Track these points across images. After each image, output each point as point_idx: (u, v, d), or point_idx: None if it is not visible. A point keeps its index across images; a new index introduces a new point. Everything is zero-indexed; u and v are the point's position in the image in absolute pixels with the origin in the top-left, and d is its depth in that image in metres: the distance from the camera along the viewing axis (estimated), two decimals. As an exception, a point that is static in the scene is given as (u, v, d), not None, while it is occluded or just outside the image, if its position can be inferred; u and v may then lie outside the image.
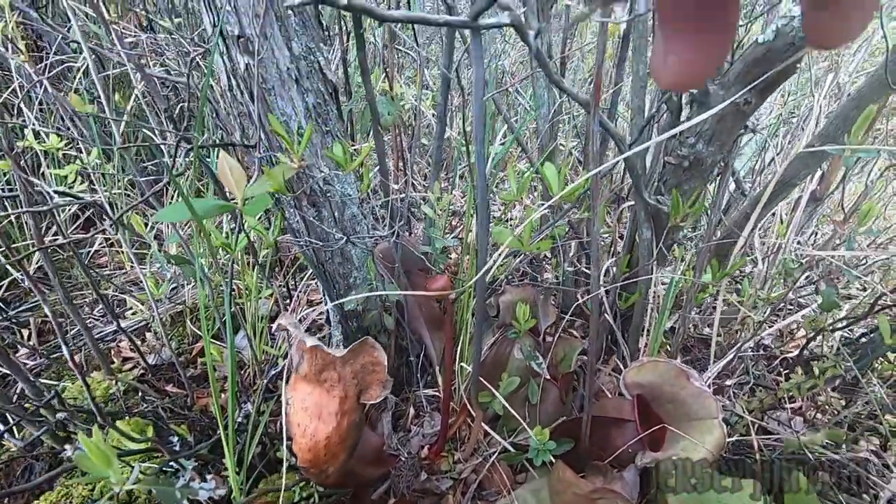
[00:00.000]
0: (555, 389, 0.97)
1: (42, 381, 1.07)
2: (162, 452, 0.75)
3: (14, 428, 0.85)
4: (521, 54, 2.25)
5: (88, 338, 0.96)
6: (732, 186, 1.37)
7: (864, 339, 1.00)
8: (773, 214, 1.29)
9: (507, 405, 0.89)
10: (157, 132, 1.09)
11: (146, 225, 1.03)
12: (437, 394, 1.09)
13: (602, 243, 1.32)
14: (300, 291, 1.29)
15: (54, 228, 1.38)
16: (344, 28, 1.29)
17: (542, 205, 0.92)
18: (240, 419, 0.92)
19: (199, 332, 1.23)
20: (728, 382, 1.07)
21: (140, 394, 1.04)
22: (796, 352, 1.10)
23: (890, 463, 0.84)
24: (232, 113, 0.81)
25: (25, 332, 1.21)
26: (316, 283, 1.33)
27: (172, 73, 1.23)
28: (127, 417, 0.90)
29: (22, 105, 1.14)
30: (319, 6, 0.87)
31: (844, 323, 0.94)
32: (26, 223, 0.76)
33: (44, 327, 1.25)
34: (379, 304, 1.02)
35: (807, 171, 0.98)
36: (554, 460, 0.82)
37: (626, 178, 1.29)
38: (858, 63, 1.43)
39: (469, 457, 0.97)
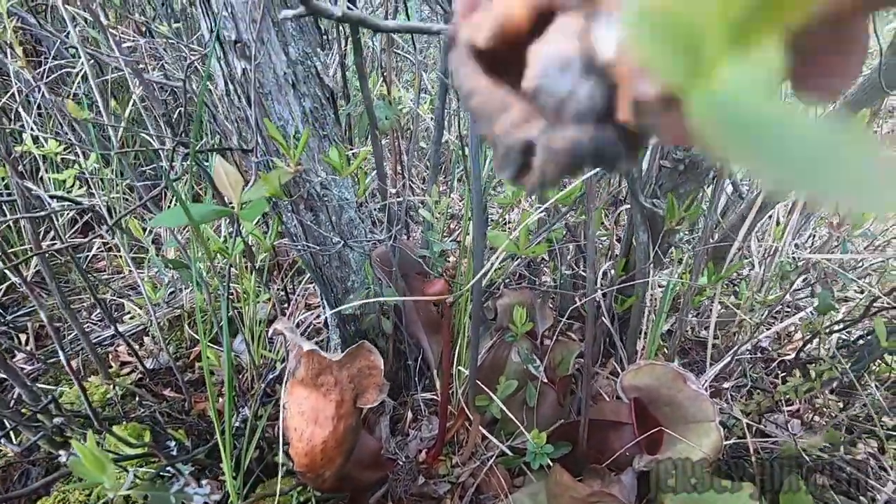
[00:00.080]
0: (552, 393, 0.97)
1: (39, 385, 1.07)
2: (159, 457, 0.75)
3: (11, 433, 0.84)
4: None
5: (86, 342, 0.96)
6: (730, 189, 1.38)
7: (861, 342, 1.00)
8: (770, 217, 1.29)
9: (504, 409, 0.89)
10: (154, 137, 1.09)
11: (144, 230, 1.04)
12: (435, 397, 1.09)
13: (599, 246, 1.32)
14: (298, 295, 1.29)
15: (52, 233, 1.38)
16: (342, 33, 1.29)
17: (539, 208, 0.92)
18: (237, 424, 0.92)
19: (197, 337, 1.23)
20: (725, 385, 1.07)
21: (137, 398, 1.04)
22: (793, 354, 1.10)
23: (887, 465, 0.84)
24: (229, 118, 0.81)
25: (23, 337, 1.21)
26: (314, 287, 1.33)
27: (171, 78, 1.23)
28: (124, 422, 0.90)
29: (21, 110, 1.15)
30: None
31: (841, 326, 0.94)
32: (24, 228, 0.76)
33: (41, 332, 1.25)
34: (377, 308, 1.02)
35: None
36: (551, 464, 0.82)
37: (622, 182, 1.29)
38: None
39: (467, 461, 0.97)
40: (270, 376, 1.01)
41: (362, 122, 1.70)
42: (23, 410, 0.82)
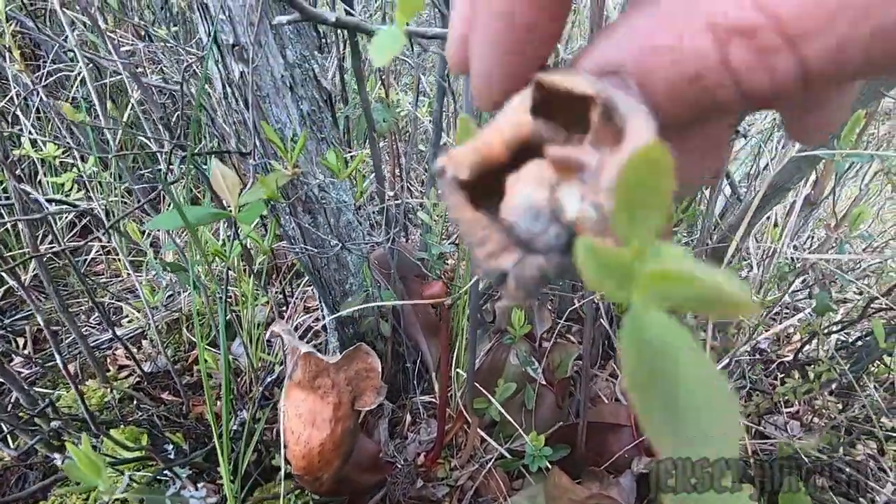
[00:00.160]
0: (551, 395, 0.96)
1: (37, 389, 1.06)
2: (156, 461, 0.75)
3: (8, 437, 0.84)
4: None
5: (84, 346, 0.95)
6: (729, 191, 1.38)
7: (859, 343, 1.00)
8: (768, 219, 1.29)
9: (503, 411, 0.89)
10: (153, 140, 1.09)
11: (142, 233, 1.04)
12: (433, 400, 1.09)
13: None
14: (297, 298, 1.29)
15: (50, 237, 1.38)
16: (341, 35, 1.30)
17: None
18: (235, 427, 0.91)
19: (195, 340, 1.23)
20: (724, 387, 1.07)
21: (135, 402, 1.03)
22: (792, 356, 1.10)
23: (886, 467, 0.84)
24: (227, 121, 0.81)
25: (21, 341, 1.21)
26: (312, 290, 1.33)
27: (169, 81, 1.23)
28: (122, 426, 0.90)
29: (19, 113, 1.15)
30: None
31: (839, 326, 0.94)
32: (22, 231, 0.76)
33: (39, 336, 1.25)
34: (375, 311, 1.02)
35: (800, 176, 0.98)
36: (550, 466, 0.81)
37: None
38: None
39: (465, 463, 0.96)
40: (269, 379, 1.01)
41: (360, 125, 1.70)
42: (20, 414, 0.81)
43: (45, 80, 1.22)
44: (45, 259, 0.85)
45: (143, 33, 1.25)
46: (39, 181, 1.32)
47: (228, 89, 0.76)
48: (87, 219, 1.49)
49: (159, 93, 1.31)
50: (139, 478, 0.70)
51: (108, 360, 1.20)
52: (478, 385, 0.91)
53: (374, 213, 1.27)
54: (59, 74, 1.35)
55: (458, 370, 0.99)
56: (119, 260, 1.42)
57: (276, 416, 0.75)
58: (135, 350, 1.18)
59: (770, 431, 0.97)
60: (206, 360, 0.93)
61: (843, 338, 1.14)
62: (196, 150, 0.83)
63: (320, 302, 1.08)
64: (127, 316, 1.27)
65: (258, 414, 0.89)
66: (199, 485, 0.60)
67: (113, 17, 1.18)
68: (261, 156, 0.79)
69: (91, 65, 1.11)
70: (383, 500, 0.91)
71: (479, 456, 0.97)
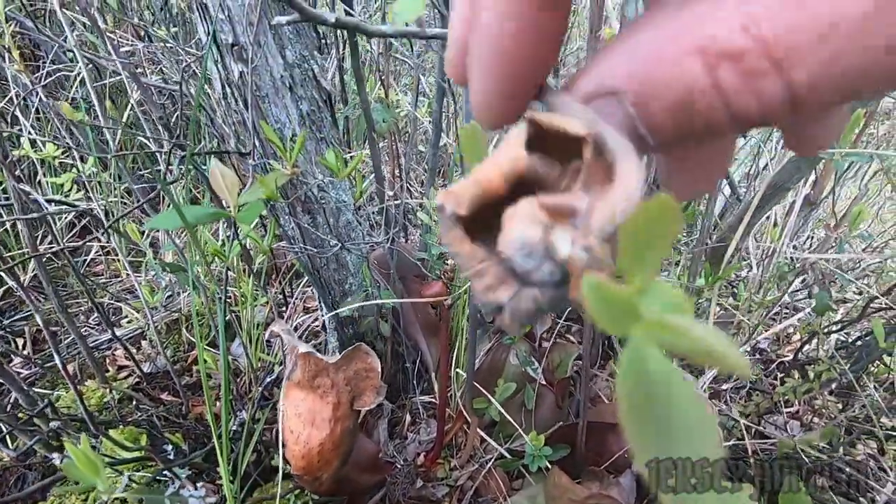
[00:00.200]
0: (551, 395, 0.96)
1: (36, 390, 1.06)
2: (155, 461, 0.75)
3: (7, 437, 0.84)
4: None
5: (83, 346, 0.95)
6: (728, 191, 1.38)
7: (859, 343, 1.00)
8: (768, 218, 1.29)
9: (503, 411, 0.89)
10: (152, 140, 1.09)
11: (142, 233, 1.04)
12: (433, 400, 1.09)
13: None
14: (296, 298, 1.29)
15: (50, 238, 1.38)
16: (341, 36, 1.30)
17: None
18: (235, 427, 0.91)
19: (194, 340, 1.23)
20: (724, 387, 1.07)
21: (134, 402, 1.03)
22: (792, 355, 1.10)
23: (886, 466, 0.84)
24: (227, 121, 0.81)
25: (20, 342, 1.21)
26: (312, 290, 1.33)
27: (169, 82, 1.23)
28: (121, 426, 0.89)
29: (18, 114, 1.15)
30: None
31: (839, 326, 0.94)
32: (21, 232, 0.76)
33: (38, 336, 1.25)
34: (375, 311, 1.02)
35: (799, 175, 0.98)
36: (550, 466, 0.81)
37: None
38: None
39: (465, 463, 0.96)
40: (268, 379, 1.01)
41: (360, 126, 1.70)
42: (19, 415, 0.81)
43: (45, 81, 1.22)
44: (44, 259, 0.85)
45: (142, 34, 1.25)
46: (39, 182, 1.32)
47: (228, 89, 0.76)
48: (87, 219, 1.49)
49: (159, 93, 1.31)
50: (138, 478, 0.70)
51: (108, 361, 1.20)
52: (478, 385, 0.91)
53: (373, 213, 1.27)
54: (58, 74, 1.35)
55: (457, 370, 0.99)
56: (118, 260, 1.42)
57: (276, 416, 0.75)
58: (134, 350, 1.18)
59: (770, 431, 0.97)
60: (205, 361, 0.93)
61: (842, 337, 1.14)
62: (195, 151, 0.83)
63: (320, 302, 1.08)
64: (126, 316, 1.27)
65: (258, 414, 0.89)
66: (199, 484, 0.60)
67: (112, 17, 1.18)
68: (260, 156, 0.79)
69: (90, 65, 1.11)
70: (383, 500, 0.91)
71: (478, 456, 0.97)
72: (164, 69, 1.28)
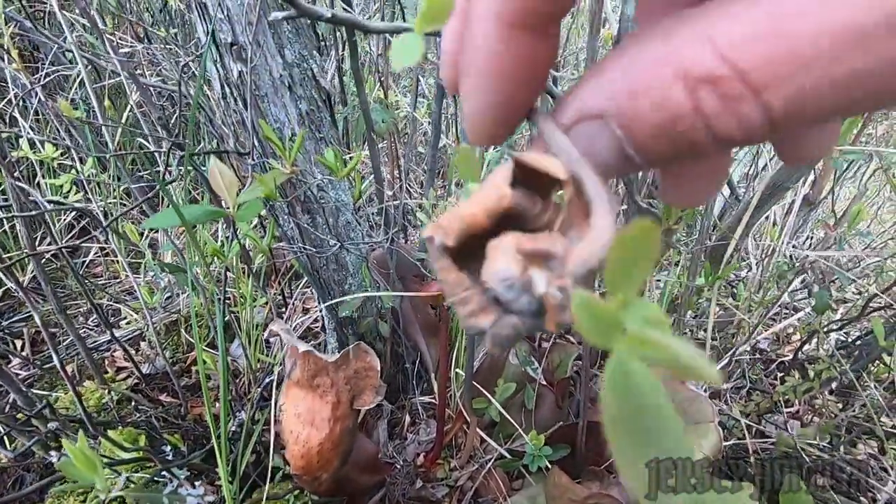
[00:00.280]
0: (551, 395, 0.96)
1: (35, 391, 1.06)
2: (154, 462, 0.74)
3: (5, 439, 0.84)
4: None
5: (81, 347, 0.95)
6: (728, 192, 1.38)
7: (859, 342, 1.00)
8: (767, 219, 1.29)
9: (503, 411, 0.89)
10: (151, 140, 1.09)
11: (141, 234, 1.03)
12: (433, 401, 1.08)
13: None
14: (295, 299, 1.29)
15: (49, 240, 1.38)
16: (340, 37, 1.30)
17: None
18: (234, 428, 0.91)
19: (194, 341, 1.23)
20: (724, 386, 1.06)
21: (133, 403, 1.03)
22: (792, 355, 1.09)
23: (887, 465, 0.84)
24: (226, 121, 0.81)
25: (19, 343, 1.21)
26: (311, 291, 1.33)
27: (169, 82, 1.23)
28: (120, 427, 0.89)
29: (17, 115, 1.15)
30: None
31: (839, 325, 0.94)
32: (20, 232, 0.76)
33: (37, 337, 1.25)
34: (374, 312, 1.01)
35: (798, 175, 0.98)
36: (550, 466, 0.81)
37: (618, 182, 1.30)
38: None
39: (465, 464, 0.96)
40: (268, 380, 1.01)
41: (359, 127, 1.70)
42: (17, 416, 0.81)
43: (44, 81, 1.22)
44: (42, 260, 0.85)
45: (141, 35, 1.26)
46: (38, 184, 1.32)
47: (227, 89, 0.76)
48: (86, 221, 1.49)
49: (158, 94, 1.32)
50: (137, 479, 0.70)
51: (107, 362, 1.19)
52: (477, 385, 0.91)
53: (373, 213, 1.27)
54: (56, 75, 1.35)
55: (457, 370, 0.99)
56: (117, 261, 1.42)
57: (275, 416, 0.75)
58: (133, 352, 1.18)
59: (770, 431, 0.96)
60: (204, 362, 0.92)
61: (842, 337, 1.14)
62: (194, 151, 0.83)
63: (319, 303, 1.08)
64: (125, 317, 1.27)
65: (257, 415, 0.88)
66: (197, 483, 0.60)
67: (112, 18, 1.19)
68: (259, 156, 0.79)
69: (90, 66, 1.11)
70: (382, 501, 0.91)
71: (478, 456, 0.97)
72: (163, 70, 1.28)
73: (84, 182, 1.14)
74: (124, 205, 1.42)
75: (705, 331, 1.29)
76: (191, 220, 0.55)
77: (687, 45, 0.14)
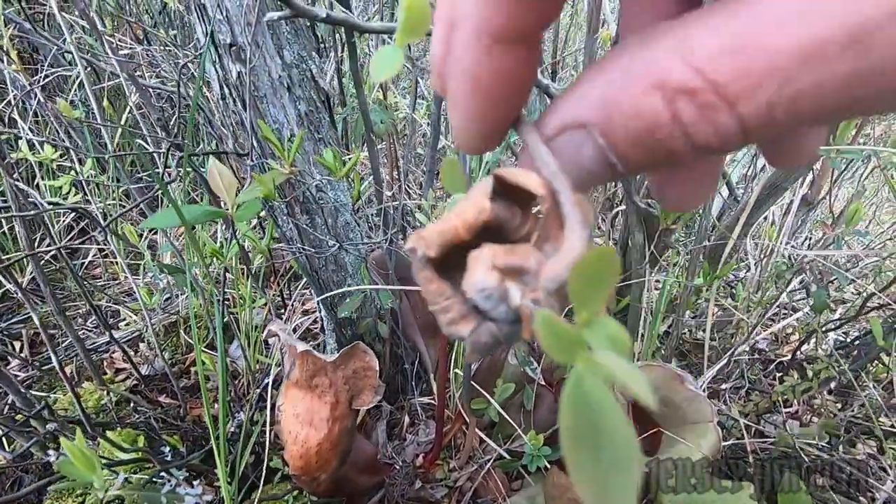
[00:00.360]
0: (549, 395, 0.96)
1: (33, 392, 1.06)
2: (153, 463, 0.74)
3: (3, 440, 0.84)
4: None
5: (80, 349, 0.95)
6: (726, 192, 1.38)
7: (857, 342, 1.00)
8: (765, 219, 1.30)
9: (502, 412, 0.89)
10: (150, 141, 1.10)
11: (140, 235, 1.03)
12: (432, 402, 1.08)
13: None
14: (294, 300, 1.29)
15: (48, 241, 1.38)
16: (339, 38, 1.30)
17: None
18: (233, 429, 0.91)
19: (192, 343, 1.23)
20: (723, 386, 1.06)
21: (132, 404, 1.03)
22: (791, 355, 1.10)
23: (886, 465, 0.84)
24: (225, 122, 0.81)
25: (17, 344, 1.21)
26: (310, 292, 1.33)
27: (168, 83, 1.24)
28: (118, 428, 0.89)
29: (16, 116, 1.15)
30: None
31: (837, 324, 0.94)
32: (19, 234, 0.76)
33: (36, 339, 1.25)
34: (373, 313, 1.02)
35: (796, 175, 0.98)
36: (549, 466, 0.81)
37: (618, 183, 1.30)
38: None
39: (464, 464, 0.96)
40: (266, 381, 1.00)
41: (358, 128, 1.71)
42: (16, 417, 0.81)
43: (43, 82, 1.22)
44: (41, 262, 0.85)
45: (141, 37, 1.26)
46: (37, 185, 1.32)
47: (226, 90, 0.76)
48: (85, 222, 1.49)
49: (157, 95, 1.32)
50: (136, 480, 0.70)
51: (105, 363, 1.19)
52: (476, 386, 0.91)
53: (372, 214, 1.27)
54: (56, 76, 1.35)
55: (456, 371, 0.99)
56: (117, 263, 1.42)
57: (274, 417, 0.75)
58: (132, 353, 1.18)
59: (769, 430, 0.96)
60: (203, 363, 0.92)
61: (841, 337, 1.14)
62: (193, 152, 0.84)
63: (318, 304, 1.08)
64: (124, 319, 1.27)
65: (256, 416, 0.88)
66: (195, 482, 0.60)
67: (111, 19, 1.19)
68: (258, 156, 0.79)
69: (89, 68, 1.11)
70: (381, 501, 0.91)
71: (477, 457, 0.97)
72: (162, 71, 1.28)
73: (83, 183, 1.14)
74: (123, 206, 1.42)
75: (704, 331, 1.29)
76: (190, 221, 0.55)
77: (666, 56, 0.15)
